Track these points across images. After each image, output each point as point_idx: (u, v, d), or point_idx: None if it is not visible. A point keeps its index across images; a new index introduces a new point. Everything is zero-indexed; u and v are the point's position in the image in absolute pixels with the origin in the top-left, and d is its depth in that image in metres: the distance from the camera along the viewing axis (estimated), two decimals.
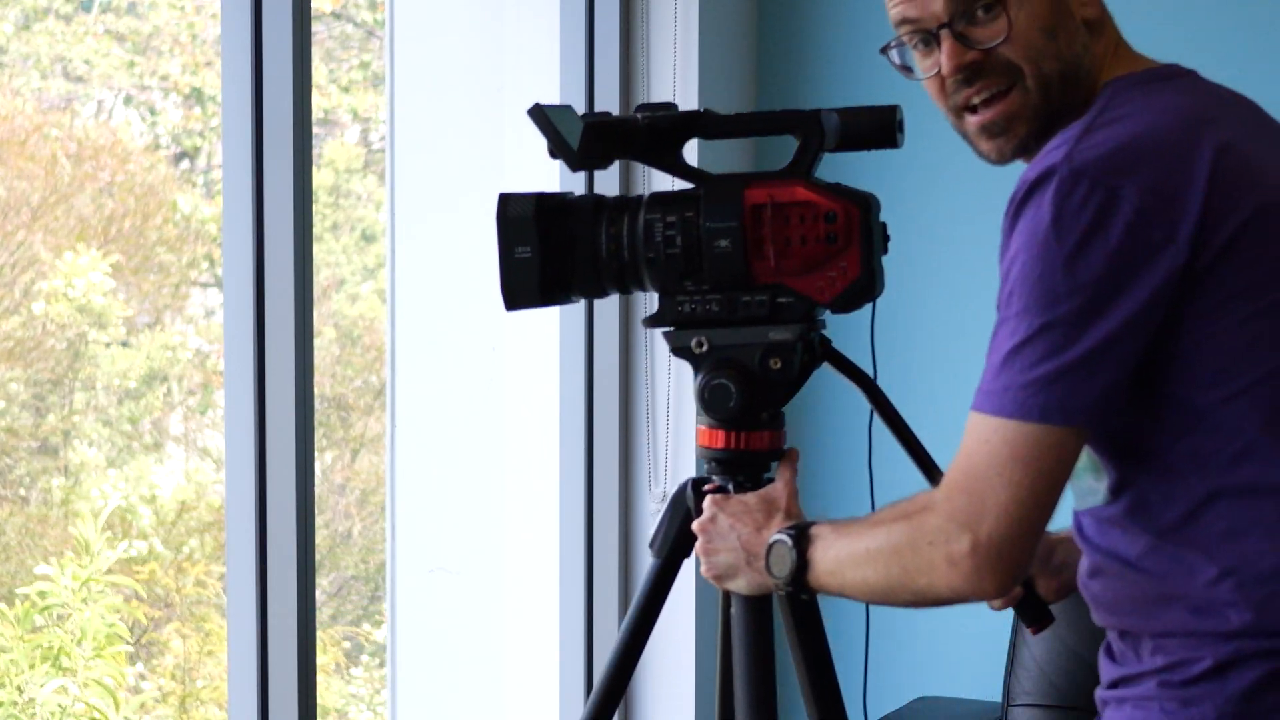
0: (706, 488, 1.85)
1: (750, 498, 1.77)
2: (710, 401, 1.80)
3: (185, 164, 7.85)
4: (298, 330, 2.51)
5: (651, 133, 1.80)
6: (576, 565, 3.36)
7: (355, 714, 7.01)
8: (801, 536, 1.67)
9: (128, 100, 7.78)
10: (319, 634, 2.95)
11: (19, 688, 5.65)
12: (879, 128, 1.80)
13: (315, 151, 8.06)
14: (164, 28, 7.72)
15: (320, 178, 7.52)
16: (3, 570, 6.57)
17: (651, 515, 3.33)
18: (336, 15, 7.98)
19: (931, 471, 1.84)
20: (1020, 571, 1.51)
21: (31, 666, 5.68)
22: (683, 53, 3.32)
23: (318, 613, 2.52)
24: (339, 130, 7.86)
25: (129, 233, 7.15)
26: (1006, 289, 1.51)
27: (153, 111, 7.74)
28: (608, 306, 3.33)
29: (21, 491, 6.95)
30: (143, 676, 6.37)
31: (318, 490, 5.93)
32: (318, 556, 2.67)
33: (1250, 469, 1.50)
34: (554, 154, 1.80)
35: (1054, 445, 1.48)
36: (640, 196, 1.82)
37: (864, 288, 1.75)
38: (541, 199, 1.83)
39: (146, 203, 7.23)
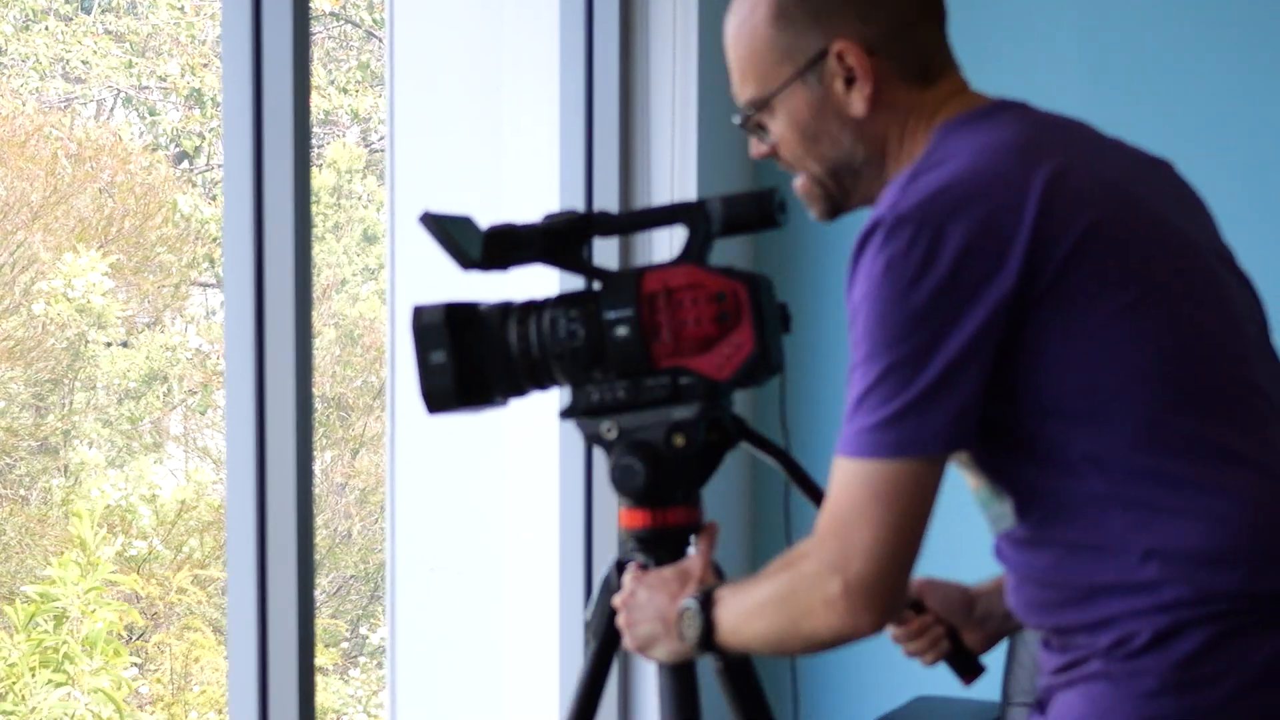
0: (630, 565, 1.91)
1: (667, 570, 1.84)
2: (619, 482, 1.88)
3: (185, 164, 7.85)
4: (298, 330, 2.51)
5: (548, 237, 1.88)
6: (576, 565, 3.36)
7: (351, 714, 7.01)
8: (707, 600, 1.73)
9: (127, 101, 7.78)
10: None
11: (22, 696, 5.64)
12: (757, 212, 1.88)
13: (317, 152, 8.06)
14: (163, 28, 7.73)
15: (323, 179, 7.52)
16: (3, 570, 6.57)
17: None
18: (336, 16, 7.98)
19: None
20: (895, 605, 1.57)
21: (32, 670, 5.68)
22: (682, 53, 3.33)
23: (317, 612, 2.52)
24: (341, 131, 7.87)
25: (129, 233, 7.15)
26: (853, 338, 1.58)
27: (152, 112, 7.74)
28: None
29: (21, 491, 6.95)
30: (140, 680, 6.37)
31: (317, 490, 5.94)
32: (318, 556, 2.67)
33: (1145, 458, 1.54)
34: (463, 265, 1.88)
35: (911, 479, 1.54)
36: (547, 297, 1.90)
37: (759, 362, 1.82)
38: (451, 308, 1.91)
39: (146, 203, 7.23)
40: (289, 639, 2.54)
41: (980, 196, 1.54)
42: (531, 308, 1.89)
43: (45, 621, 5.83)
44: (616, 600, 1.88)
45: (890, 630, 1.94)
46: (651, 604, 1.81)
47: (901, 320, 1.52)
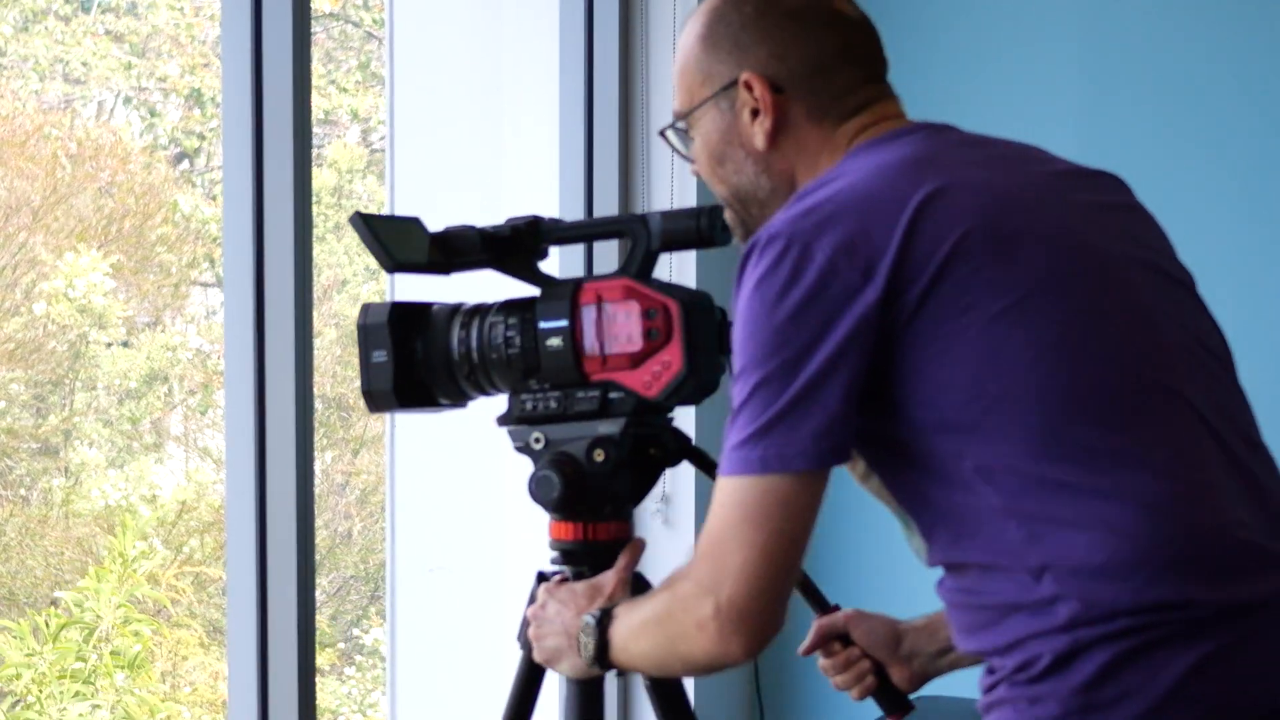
0: (555, 577, 1.90)
1: (579, 585, 1.83)
2: (535, 493, 1.86)
3: (185, 164, 7.85)
4: (298, 330, 2.51)
5: (490, 242, 1.87)
6: None
7: (347, 714, 7.02)
8: (605, 617, 1.71)
9: (127, 101, 7.78)
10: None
11: (44, 707, 5.65)
12: (695, 229, 1.87)
13: (317, 152, 8.08)
14: (163, 29, 7.73)
15: (323, 178, 7.52)
16: (3, 570, 6.57)
17: (649, 514, 3.32)
18: (335, 16, 7.98)
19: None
20: (769, 630, 1.53)
21: (60, 677, 5.68)
22: None
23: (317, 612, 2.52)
24: (341, 130, 7.87)
25: (129, 233, 7.16)
26: (733, 355, 1.57)
27: (152, 112, 7.74)
28: None
29: (22, 492, 6.95)
30: (134, 683, 6.37)
31: (318, 490, 5.94)
32: (318, 556, 2.67)
33: (1037, 467, 1.50)
34: (386, 267, 1.87)
35: (780, 497, 1.51)
36: (494, 301, 1.89)
37: (687, 382, 1.79)
38: (397, 307, 1.91)
39: (147, 203, 7.23)
40: (289, 639, 2.54)
41: (850, 213, 1.53)
42: (476, 311, 1.88)
43: (76, 632, 5.84)
44: (528, 612, 1.86)
45: (819, 660, 1.93)
46: (559, 618, 1.80)
47: (768, 337, 1.51)
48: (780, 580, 1.52)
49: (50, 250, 6.86)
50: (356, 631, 7.29)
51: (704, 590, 1.53)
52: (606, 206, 3.34)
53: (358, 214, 1.84)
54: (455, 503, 3.62)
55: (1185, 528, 1.49)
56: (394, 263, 1.84)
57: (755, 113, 1.68)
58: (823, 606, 1.93)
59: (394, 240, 1.84)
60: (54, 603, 6.12)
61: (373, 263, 7.60)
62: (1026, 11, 3.31)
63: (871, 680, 1.90)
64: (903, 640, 1.90)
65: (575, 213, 3.32)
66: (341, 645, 7.20)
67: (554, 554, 1.92)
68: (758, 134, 1.68)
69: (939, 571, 1.63)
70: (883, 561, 3.26)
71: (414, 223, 1.87)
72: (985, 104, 3.30)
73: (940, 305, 1.51)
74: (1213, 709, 1.48)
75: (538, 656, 1.84)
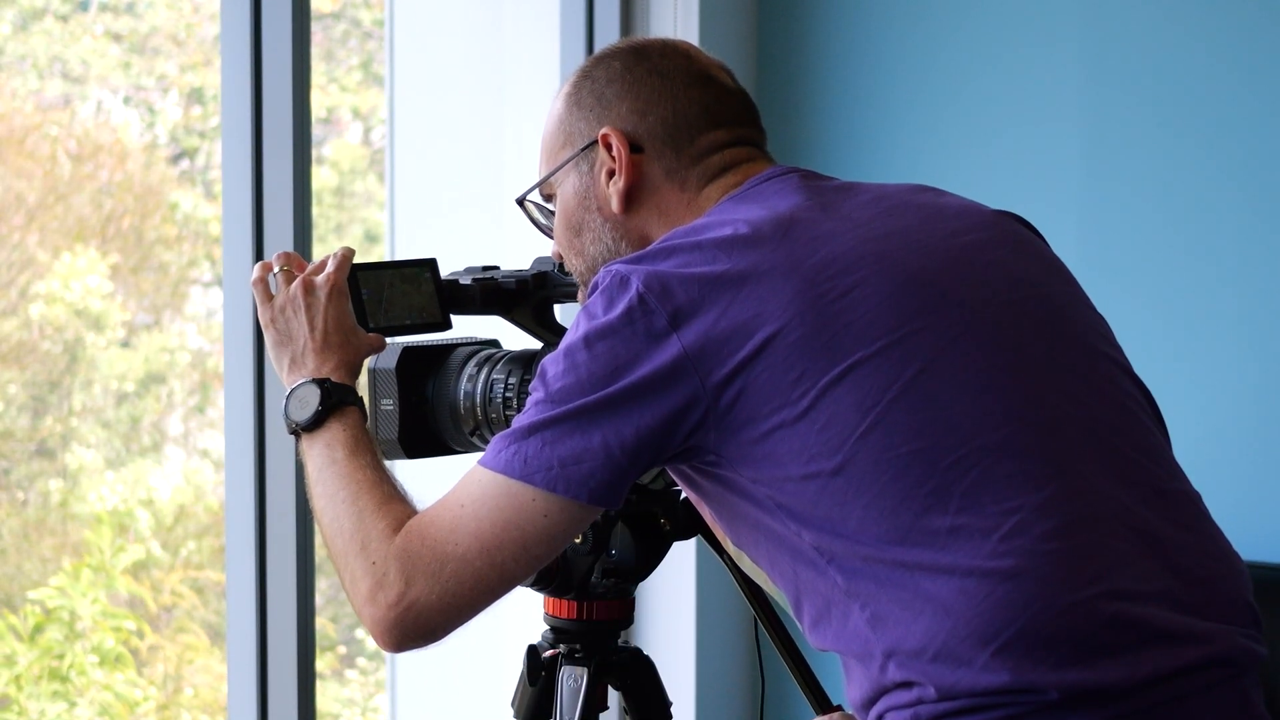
0: (546, 654, 1.84)
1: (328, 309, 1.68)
2: None
3: (185, 163, 7.85)
4: None
5: (489, 297, 1.78)
6: None
7: (349, 718, 7.02)
8: (336, 408, 1.63)
9: (126, 100, 7.78)
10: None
11: (24, 707, 5.65)
12: None
13: (319, 152, 8.09)
14: (162, 27, 7.73)
15: (325, 178, 7.52)
16: (0, 574, 6.57)
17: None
18: (336, 16, 7.99)
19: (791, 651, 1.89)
20: (426, 643, 1.52)
21: (39, 679, 5.68)
22: None
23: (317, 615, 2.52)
24: (343, 130, 7.87)
25: (127, 232, 7.15)
26: None
27: (151, 111, 7.74)
28: None
29: (19, 494, 6.95)
30: (133, 684, 6.37)
31: None
32: (318, 559, 2.66)
33: (871, 547, 1.42)
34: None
35: (516, 505, 1.48)
36: (504, 352, 1.81)
37: None
38: (408, 352, 1.81)
39: (145, 202, 7.23)
40: (289, 642, 2.53)
41: (683, 250, 1.50)
42: (489, 360, 1.80)
43: (53, 629, 5.83)
44: (266, 298, 1.71)
45: None
46: (301, 327, 1.68)
47: (562, 356, 1.49)
48: (475, 605, 1.52)
49: (47, 250, 6.86)
50: (361, 633, 7.29)
51: (400, 573, 1.49)
52: None
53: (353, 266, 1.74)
54: None
55: (1031, 607, 1.40)
56: (366, 329, 1.72)
57: (612, 174, 1.61)
58: (824, 705, 1.87)
59: (385, 294, 1.73)
60: (29, 601, 6.12)
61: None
62: (1027, 10, 3.30)
63: None
64: None
65: None
66: (343, 649, 7.20)
67: (546, 629, 1.86)
68: (613, 195, 1.61)
69: None
70: None
71: (423, 268, 1.77)
72: (986, 104, 3.29)
73: (772, 378, 1.43)
74: None
75: (267, 338, 1.71)
